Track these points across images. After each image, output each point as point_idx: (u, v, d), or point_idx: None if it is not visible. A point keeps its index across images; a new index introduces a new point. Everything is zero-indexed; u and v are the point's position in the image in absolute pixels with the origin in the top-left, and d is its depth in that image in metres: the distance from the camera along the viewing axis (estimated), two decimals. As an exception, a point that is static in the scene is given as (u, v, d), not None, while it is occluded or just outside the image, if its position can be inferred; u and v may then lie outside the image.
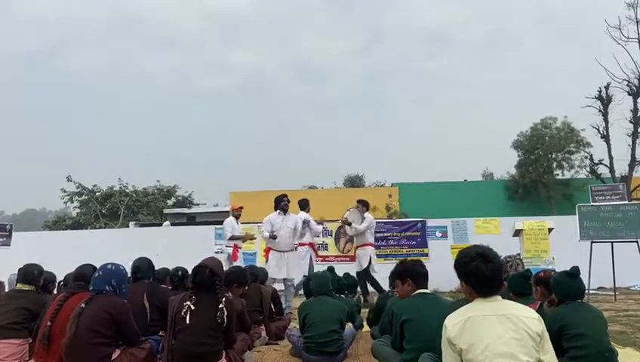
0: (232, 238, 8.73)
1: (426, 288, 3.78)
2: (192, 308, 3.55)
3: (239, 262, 8.42)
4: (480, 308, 2.38)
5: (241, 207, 9.22)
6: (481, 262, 2.41)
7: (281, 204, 7.94)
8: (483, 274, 2.40)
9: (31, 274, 4.50)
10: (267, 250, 7.94)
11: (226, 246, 8.78)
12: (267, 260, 7.78)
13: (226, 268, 8.51)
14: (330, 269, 5.79)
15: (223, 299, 3.65)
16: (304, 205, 8.80)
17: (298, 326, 4.78)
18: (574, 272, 3.50)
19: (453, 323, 2.37)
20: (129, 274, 4.24)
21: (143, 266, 4.60)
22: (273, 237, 7.58)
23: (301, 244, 8.43)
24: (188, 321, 3.53)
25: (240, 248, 8.94)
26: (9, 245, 10.59)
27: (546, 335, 2.37)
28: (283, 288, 7.73)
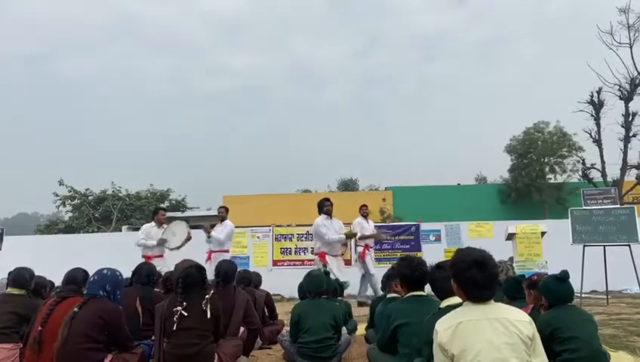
0: (362, 238, 8.80)
1: (422, 290, 3.77)
2: (185, 314, 3.55)
3: (369, 262, 8.67)
4: (471, 313, 2.36)
5: (365, 205, 9.24)
6: (477, 270, 2.38)
7: (324, 208, 7.91)
8: (477, 282, 2.37)
9: (22, 278, 4.46)
10: (322, 256, 7.86)
11: (357, 246, 8.91)
12: (324, 265, 7.70)
13: (358, 266, 8.59)
14: (326, 273, 5.75)
15: (211, 292, 3.74)
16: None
17: (289, 328, 4.75)
18: (564, 276, 3.51)
19: (444, 328, 2.35)
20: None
21: (140, 271, 4.62)
22: (353, 235, 7.62)
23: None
24: (177, 326, 3.53)
25: (371, 247, 9.07)
26: (0, 249, 10.49)
27: (538, 338, 2.37)
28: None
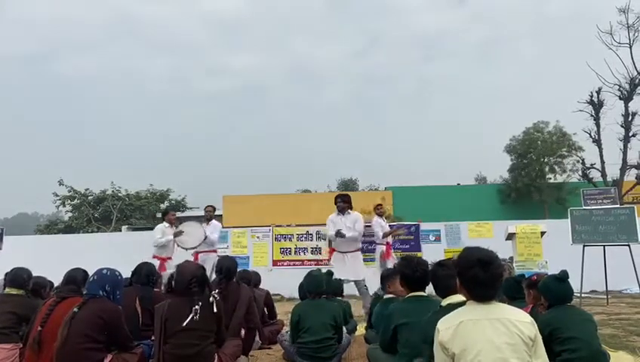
0: (385, 235, 8.70)
1: (423, 290, 3.76)
2: (198, 315, 3.56)
3: (390, 260, 8.48)
4: (473, 312, 2.36)
5: (380, 205, 9.20)
6: (480, 269, 2.38)
7: (335, 204, 7.86)
8: (480, 281, 2.37)
9: (20, 278, 4.45)
10: (331, 251, 7.86)
11: (378, 245, 8.78)
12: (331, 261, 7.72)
13: (377, 266, 8.48)
14: (329, 273, 5.72)
15: (217, 291, 3.81)
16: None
17: (289, 328, 4.75)
18: (563, 276, 3.51)
19: (445, 327, 2.36)
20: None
21: (140, 271, 4.61)
22: (341, 235, 7.42)
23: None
24: (184, 324, 3.54)
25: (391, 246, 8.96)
26: (0, 249, 10.49)
27: (539, 339, 2.36)
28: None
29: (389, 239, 8.92)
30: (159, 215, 31.43)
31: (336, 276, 6.94)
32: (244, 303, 4.52)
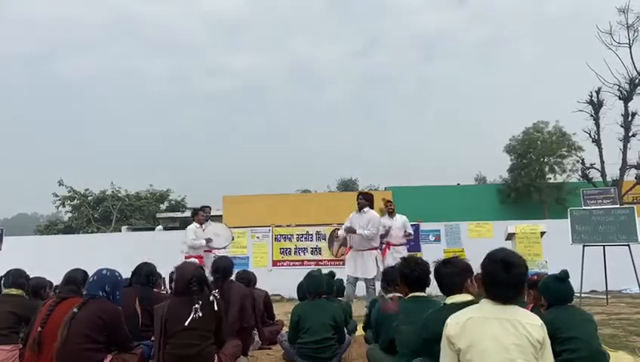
0: (382, 237, 8.28)
1: (423, 291, 3.75)
2: (200, 314, 3.56)
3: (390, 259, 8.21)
4: (483, 310, 2.37)
5: (389, 201, 8.86)
6: (501, 269, 2.37)
7: (357, 201, 7.80)
8: (498, 281, 2.37)
9: (19, 277, 4.46)
10: (347, 250, 7.88)
11: (381, 243, 8.46)
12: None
13: (381, 267, 8.11)
14: (332, 274, 5.69)
15: (216, 291, 3.84)
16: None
17: (288, 329, 4.75)
18: (563, 276, 3.51)
19: (454, 322, 2.37)
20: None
21: (140, 272, 4.61)
22: (352, 231, 7.40)
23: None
24: (186, 325, 3.54)
25: (393, 245, 8.57)
26: (0, 249, 10.48)
27: (548, 342, 2.35)
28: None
29: (391, 239, 8.80)
30: (159, 215, 31.53)
31: (347, 273, 7.09)
32: (236, 301, 4.53)
